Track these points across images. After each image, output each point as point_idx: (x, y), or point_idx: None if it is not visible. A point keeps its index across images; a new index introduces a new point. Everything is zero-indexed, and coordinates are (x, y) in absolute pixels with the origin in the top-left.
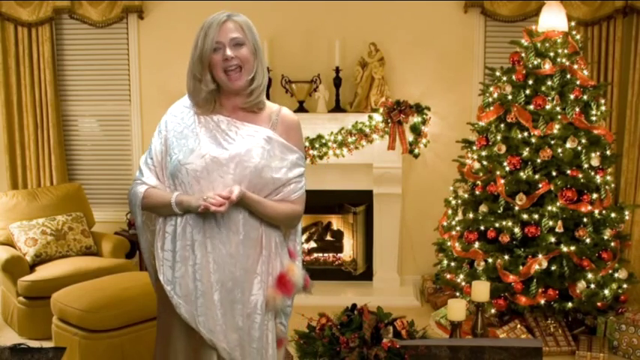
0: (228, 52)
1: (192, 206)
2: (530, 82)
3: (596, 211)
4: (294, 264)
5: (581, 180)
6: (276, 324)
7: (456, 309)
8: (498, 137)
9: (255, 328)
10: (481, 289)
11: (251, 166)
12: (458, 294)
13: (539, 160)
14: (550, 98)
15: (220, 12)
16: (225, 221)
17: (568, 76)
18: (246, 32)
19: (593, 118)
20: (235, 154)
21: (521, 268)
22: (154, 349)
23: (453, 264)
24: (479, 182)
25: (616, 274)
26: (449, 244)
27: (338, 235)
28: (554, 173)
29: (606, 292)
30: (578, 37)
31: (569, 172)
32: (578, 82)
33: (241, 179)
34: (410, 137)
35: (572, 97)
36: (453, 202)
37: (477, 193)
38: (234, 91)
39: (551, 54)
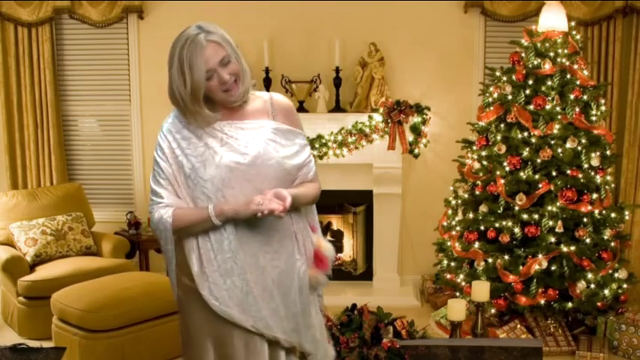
0: (224, 75)
1: (242, 214)
2: (530, 82)
3: (596, 211)
4: (320, 239)
5: (581, 180)
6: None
7: (456, 309)
8: (498, 137)
9: (305, 309)
10: (481, 289)
11: (273, 163)
12: (458, 294)
13: (539, 160)
14: (550, 98)
15: (191, 29)
16: (259, 224)
17: (568, 76)
18: (225, 46)
19: (593, 118)
20: (255, 155)
21: (521, 268)
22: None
23: (453, 264)
24: (479, 182)
25: (616, 274)
26: (449, 244)
27: (338, 235)
28: (554, 173)
29: (606, 292)
30: (578, 37)
31: (569, 172)
32: (578, 82)
33: (268, 178)
34: (410, 137)
35: (572, 97)
36: (453, 202)
37: (477, 193)
38: (233, 103)
39: (551, 54)
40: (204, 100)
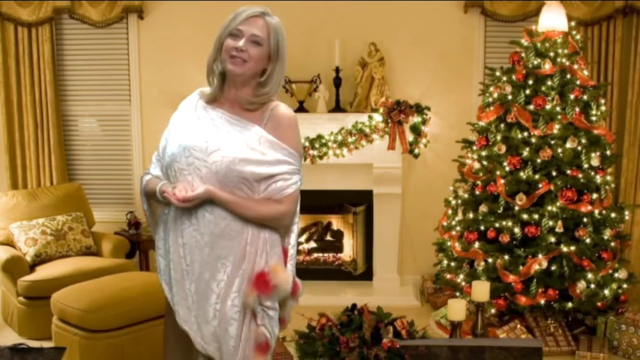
0: (241, 43)
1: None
2: (530, 82)
3: (596, 211)
4: (280, 265)
5: (581, 180)
6: (257, 325)
7: (456, 309)
8: (498, 137)
9: (233, 327)
10: (481, 289)
11: (228, 159)
12: (458, 294)
13: (539, 160)
14: (550, 98)
15: (260, 6)
16: (203, 212)
17: (568, 76)
18: (270, 35)
19: (593, 118)
20: (214, 146)
21: (521, 268)
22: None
23: (453, 264)
24: (479, 182)
25: (616, 274)
26: (449, 244)
27: (338, 235)
28: (554, 173)
29: (606, 292)
30: (578, 37)
31: (569, 172)
32: (578, 82)
33: (217, 173)
34: (410, 137)
35: (572, 97)
36: (453, 202)
37: (477, 193)
38: (234, 78)
39: (551, 54)
40: (220, 77)
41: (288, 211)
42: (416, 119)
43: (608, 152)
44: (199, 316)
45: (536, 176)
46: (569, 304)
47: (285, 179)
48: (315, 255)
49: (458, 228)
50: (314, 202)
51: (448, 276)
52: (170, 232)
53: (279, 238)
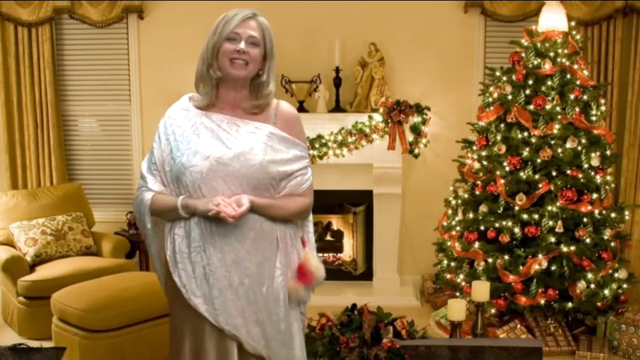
0: (242, 45)
1: (199, 210)
2: (530, 82)
3: (596, 211)
4: (310, 254)
5: (581, 180)
6: (301, 314)
7: (456, 309)
8: (498, 137)
9: (280, 321)
10: (481, 289)
11: (256, 163)
12: (458, 294)
13: (539, 160)
14: (550, 98)
15: (248, 9)
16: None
17: (568, 76)
18: (265, 35)
19: (593, 118)
20: (239, 152)
21: (521, 268)
22: (168, 351)
23: (453, 264)
24: (479, 182)
25: (616, 274)
26: (449, 244)
27: (338, 235)
28: (554, 173)
29: (606, 292)
30: (578, 37)
31: (569, 172)
32: (578, 82)
33: (247, 177)
34: (410, 137)
35: (572, 97)
36: (453, 202)
37: (477, 193)
38: (233, 81)
39: (551, 54)
40: (215, 82)
41: (310, 203)
42: (416, 119)
43: (608, 152)
44: (246, 318)
45: (536, 176)
46: (569, 304)
47: (303, 174)
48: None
49: (458, 228)
50: (314, 202)
51: (448, 276)
52: (200, 247)
53: (297, 230)
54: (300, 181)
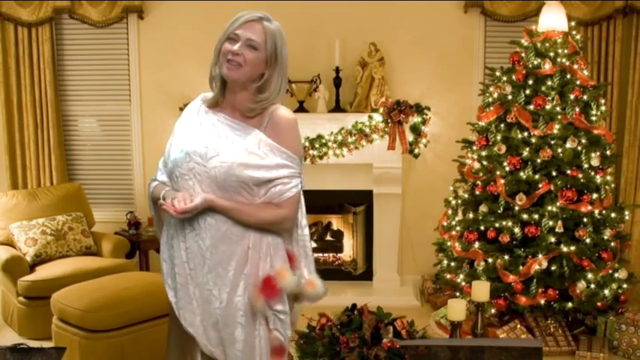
0: (237, 47)
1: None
2: (530, 82)
3: (596, 211)
4: (285, 269)
5: (581, 180)
6: (270, 330)
7: (456, 309)
8: (498, 137)
9: (238, 330)
10: (481, 289)
11: (224, 165)
12: (458, 294)
13: (539, 160)
14: (550, 98)
15: (259, 11)
16: (205, 217)
17: (568, 76)
18: (267, 40)
19: (593, 118)
20: (212, 153)
21: (521, 268)
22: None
23: (453, 264)
24: (479, 182)
25: (616, 274)
26: (449, 244)
27: (338, 235)
28: (554, 173)
29: (606, 292)
30: (578, 37)
31: (569, 172)
32: (578, 82)
33: (214, 178)
34: (410, 137)
35: (572, 97)
36: (453, 202)
37: (477, 193)
38: (232, 82)
39: (551, 54)
40: (221, 83)
41: (288, 215)
42: (416, 119)
43: (608, 152)
44: (205, 319)
45: (536, 176)
46: (569, 304)
47: (284, 183)
48: (315, 255)
49: (458, 228)
50: (314, 202)
51: (448, 276)
52: (174, 237)
53: (283, 241)
54: (280, 190)
